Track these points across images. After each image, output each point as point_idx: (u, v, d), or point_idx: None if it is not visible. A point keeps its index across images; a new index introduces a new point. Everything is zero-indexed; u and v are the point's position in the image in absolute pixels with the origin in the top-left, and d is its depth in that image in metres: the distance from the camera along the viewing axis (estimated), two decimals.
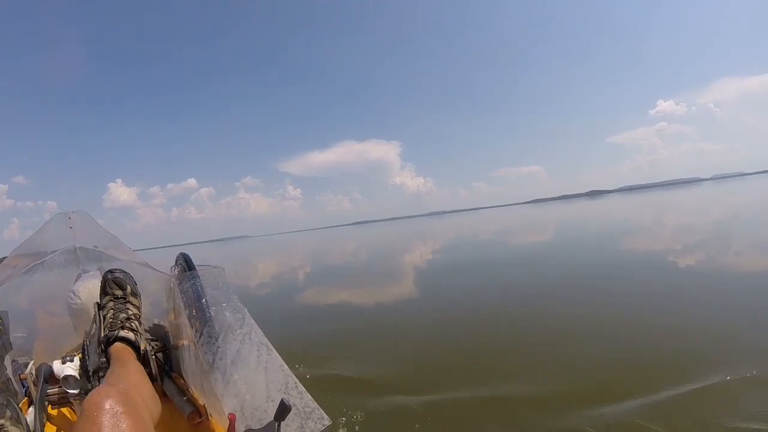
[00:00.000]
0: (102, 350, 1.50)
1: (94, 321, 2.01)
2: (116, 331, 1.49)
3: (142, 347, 1.53)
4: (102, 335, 1.53)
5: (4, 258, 2.24)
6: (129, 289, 1.68)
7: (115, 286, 1.68)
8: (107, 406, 0.87)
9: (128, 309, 1.61)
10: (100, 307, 1.65)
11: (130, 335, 1.51)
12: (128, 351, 1.46)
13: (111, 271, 1.72)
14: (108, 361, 1.45)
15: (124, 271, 1.73)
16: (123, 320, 1.55)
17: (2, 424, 1.40)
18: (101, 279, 1.74)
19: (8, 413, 1.44)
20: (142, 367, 1.43)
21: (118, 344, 1.47)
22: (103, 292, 1.69)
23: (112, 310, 1.60)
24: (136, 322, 1.59)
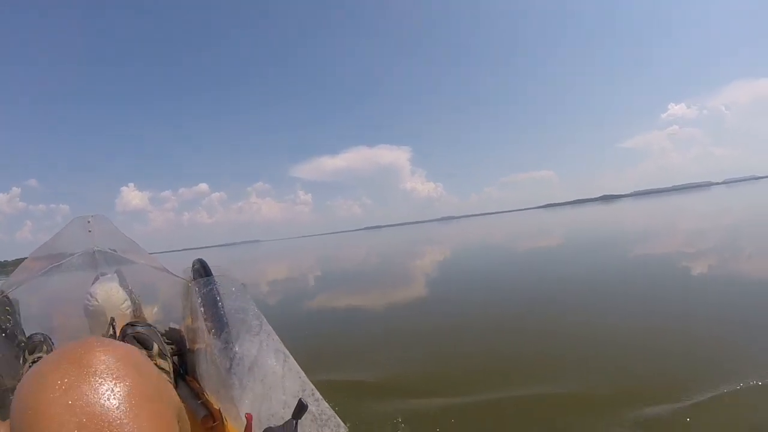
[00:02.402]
0: None
1: (111, 324, 2.02)
2: None
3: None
4: None
5: (24, 260, 2.26)
6: (156, 348, 1.57)
7: (138, 344, 1.55)
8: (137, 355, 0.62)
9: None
10: None
11: None
12: None
13: (132, 325, 1.63)
14: None
15: (150, 326, 1.66)
16: None
17: (42, 356, 1.51)
18: (119, 334, 1.66)
19: (45, 348, 1.61)
20: None
21: None
22: None
23: None
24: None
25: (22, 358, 1.60)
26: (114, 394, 0.54)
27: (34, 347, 1.63)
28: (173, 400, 0.66)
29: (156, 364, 1.49)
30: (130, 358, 0.59)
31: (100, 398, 0.54)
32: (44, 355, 1.55)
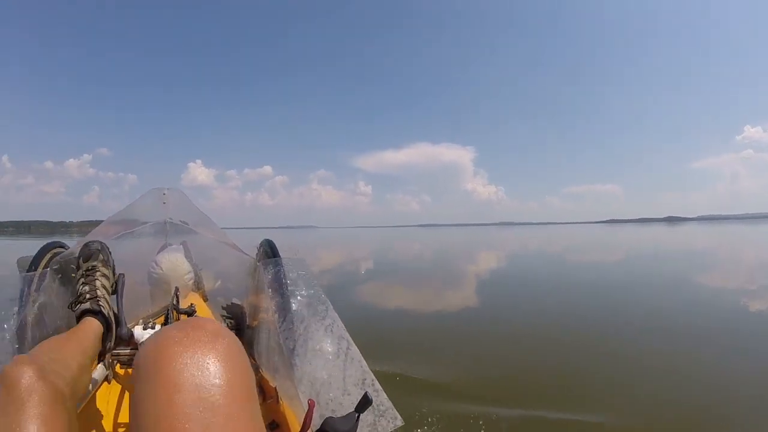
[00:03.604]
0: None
1: (175, 294, 2.09)
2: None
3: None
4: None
5: (91, 222, 2.35)
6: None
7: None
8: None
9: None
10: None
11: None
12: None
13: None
14: None
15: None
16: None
17: (95, 265, 1.59)
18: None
19: (101, 256, 1.65)
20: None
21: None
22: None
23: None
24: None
25: (76, 266, 1.64)
26: (228, 378, 0.66)
27: (89, 254, 1.63)
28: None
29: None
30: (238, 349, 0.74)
31: (214, 378, 0.65)
32: (98, 264, 1.61)
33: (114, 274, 1.70)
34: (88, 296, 1.48)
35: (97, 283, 1.54)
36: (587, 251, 28.83)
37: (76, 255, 1.68)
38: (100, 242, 1.71)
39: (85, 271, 1.58)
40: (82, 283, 1.54)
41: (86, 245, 1.68)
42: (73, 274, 1.86)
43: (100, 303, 1.48)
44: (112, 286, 1.63)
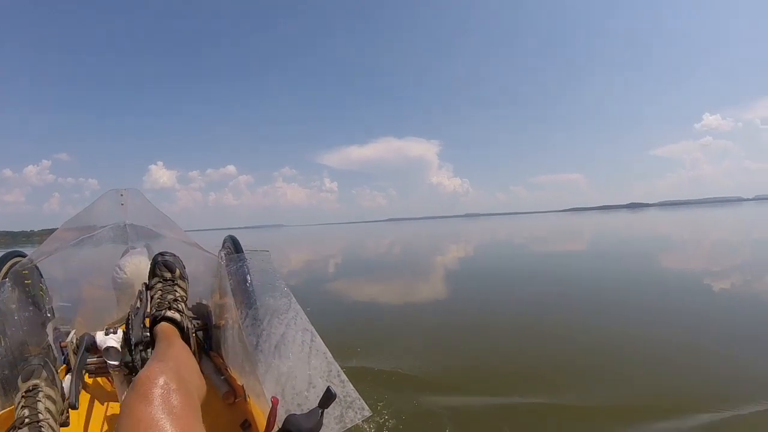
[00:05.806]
0: (146, 327, 1.50)
1: (139, 297, 2.05)
2: (163, 311, 1.48)
3: (185, 328, 1.49)
4: (149, 312, 1.53)
5: (53, 230, 2.30)
6: (178, 272, 1.68)
7: (165, 269, 1.67)
8: (161, 382, 0.90)
9: (176, 291, 1.60)
10: (148, 287, 1.65)
11: (176, 315, 1.48)
12: (173, 330, 1.44)
13: (162, 254, 1.71)
14: (152, 338, 1.46)
15: (174, 255, 1.72)
16: (170, 301, 1.54)
17: (37, 384, 1.44)
18: (151, 261, 1.72)
19: (44, 374, 1.50)
20: (187, 347, 1.39)
21: (163, 323, 1.45)
22: (153, 273, 1.68)
23: (160, 291, 1.59)
24: (183, 304, 1.57)
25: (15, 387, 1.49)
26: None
27: (30, 373, 1.48)
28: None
29: (178, 285, 1.64)
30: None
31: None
32: (40, 383, 1.45)
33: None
34: (27, 420, 1.35)
35: (40, 405, 1.40)
36: (548, 240, 29.22)
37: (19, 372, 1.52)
38: (43, 358, 1.56)
39: (25, 392, 1.44)
40: (21, 406, 1.40)
41: (24, 368, 1.52)
42: (27, 281, 1.82)
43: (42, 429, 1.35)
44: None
